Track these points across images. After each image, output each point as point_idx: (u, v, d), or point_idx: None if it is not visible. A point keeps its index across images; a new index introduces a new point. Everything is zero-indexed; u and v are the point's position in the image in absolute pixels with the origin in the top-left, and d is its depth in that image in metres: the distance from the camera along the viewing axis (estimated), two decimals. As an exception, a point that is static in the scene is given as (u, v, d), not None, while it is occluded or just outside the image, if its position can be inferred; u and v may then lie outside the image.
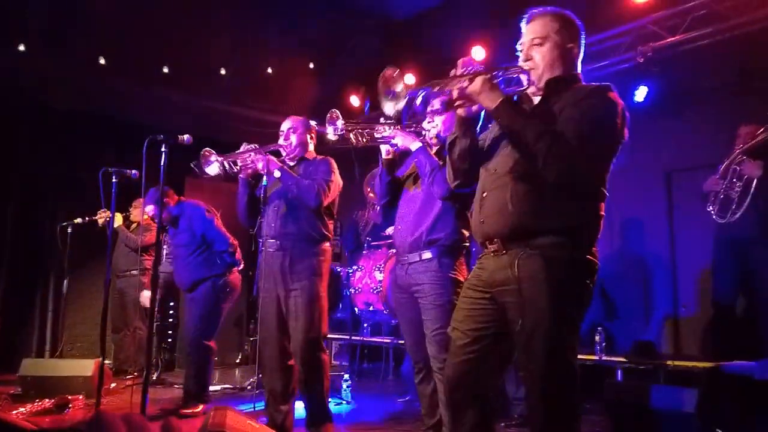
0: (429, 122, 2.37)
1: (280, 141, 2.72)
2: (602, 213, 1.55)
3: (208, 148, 2.68)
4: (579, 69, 1.65)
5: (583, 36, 1.65)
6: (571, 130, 1.45)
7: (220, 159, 2.66)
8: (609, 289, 4.45)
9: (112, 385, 4.05)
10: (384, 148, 2.38)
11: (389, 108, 1.63)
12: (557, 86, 1.58)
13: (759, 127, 3.41)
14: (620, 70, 4.09)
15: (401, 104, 1.60)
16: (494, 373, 1.59)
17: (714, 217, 3.46)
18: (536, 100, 1.62)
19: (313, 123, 2.82)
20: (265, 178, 2.60)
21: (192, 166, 2.63)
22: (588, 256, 1.50)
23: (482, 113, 1.63)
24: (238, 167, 2.65)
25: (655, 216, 4.31)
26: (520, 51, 1.62)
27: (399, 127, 2.36)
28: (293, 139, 2.71)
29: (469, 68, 1.55)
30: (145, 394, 2.15)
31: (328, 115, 2.44)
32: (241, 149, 2.68)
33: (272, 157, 2.62)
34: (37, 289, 5.09)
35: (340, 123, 2.39)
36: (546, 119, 1.51)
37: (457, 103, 1.56)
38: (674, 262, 4.22)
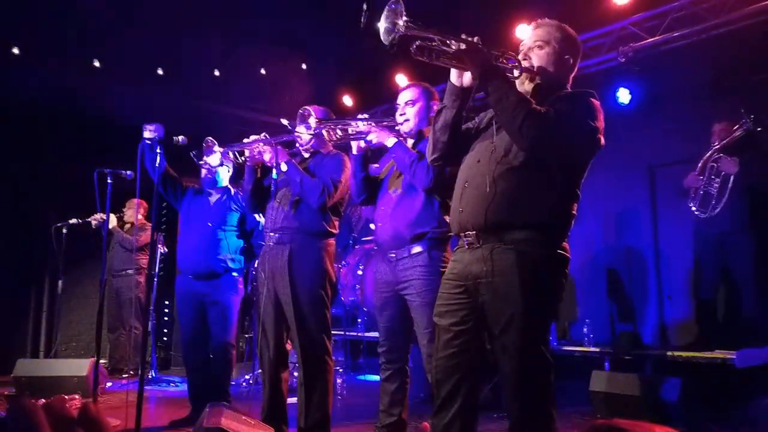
0: (401, 115, 2.28)
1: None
2: (574, 212, 1.58)
3: (211, 138, 2.62)
4: (569, 83, 1.70)
5: (579, 55, 1.72)
6: (553, 111, 1.49)
7: (224, 149, 2.58)
8: (595, 281, 4.55)
9: (108, 384, 4.06)
10: (354, 144, 2.29)
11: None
12: (541, 89, 1.64)
13: (732, 124, 3.51)
14: (602, 70, 4.21)
15: None
16: (477, 364, 1.61)
17: (695, 212, 3.57)
18: None
19: (284, 121, 2.63)
20: (274, 170, 2.47)
21: (191, 155, 2.57)
22: (560, 251, 1.55)
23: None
24: (244, 157, 2.56)
25: (638, 209, 4.42)
26: (521, 51, 1.69)
27: (373, 122, 2.26)
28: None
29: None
30: (141, 393, 2.15)
31: (300, 112, 2.35)
32: (250, 139, 2.55)
33: (281, 149, 2.49)
34: (31, 290, 5.07)
35: (312, 120, 2.32)
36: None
37: (453, 59, 1.51)
38: (658, 253, 4.32)
